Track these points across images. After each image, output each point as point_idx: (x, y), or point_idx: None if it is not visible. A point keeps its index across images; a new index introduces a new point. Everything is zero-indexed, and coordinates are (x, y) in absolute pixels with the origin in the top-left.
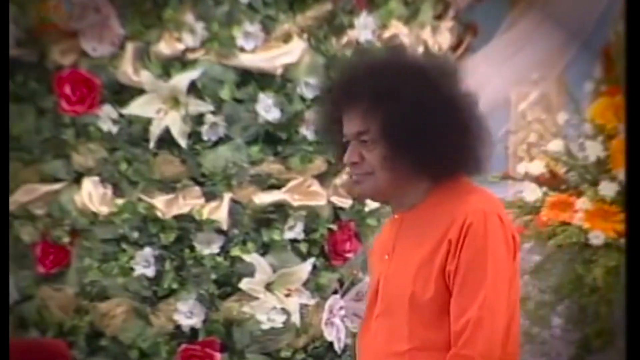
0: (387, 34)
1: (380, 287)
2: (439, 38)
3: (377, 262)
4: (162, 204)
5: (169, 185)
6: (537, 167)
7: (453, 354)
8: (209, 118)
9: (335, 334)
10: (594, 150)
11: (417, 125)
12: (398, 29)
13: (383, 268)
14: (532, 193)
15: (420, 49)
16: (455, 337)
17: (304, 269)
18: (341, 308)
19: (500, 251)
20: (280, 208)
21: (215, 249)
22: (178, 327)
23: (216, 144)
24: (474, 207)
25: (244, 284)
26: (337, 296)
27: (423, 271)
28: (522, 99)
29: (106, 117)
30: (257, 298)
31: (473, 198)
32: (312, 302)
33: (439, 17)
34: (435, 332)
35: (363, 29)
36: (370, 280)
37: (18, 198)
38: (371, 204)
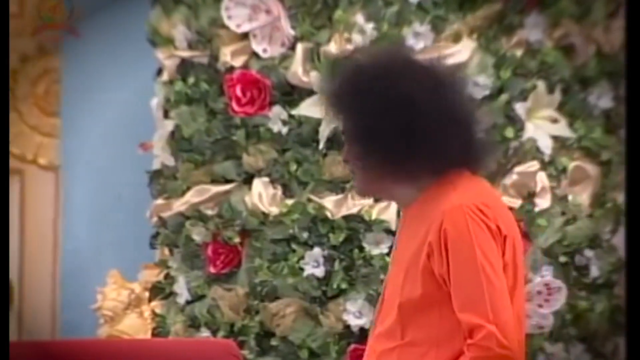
0: (557, 33)
1: (386, 285)
2: (610, 37)
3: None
4: (332, 204)
5: (338, 186)
6: None
7: (472, 344)
8: None
9: None
10: None
11: (378, 126)
12: (569, 28)
13: (390, 265)
14: None
15: (591, 49)
16: (468, 332)
17: None
18: None
19: (485, 241)
20: None
21: (384, 249)
22: (347, 327)
23: None
24: (451, 205)
25: None
26: None
27: (411, 270)
28: None
29: (276, 118)
30: None
31: (454, 195)
32: None
33: (611, 15)
34: (424, 329)
35: (533, 28)
36: None
37: (190, 199)
38: (541, 204)
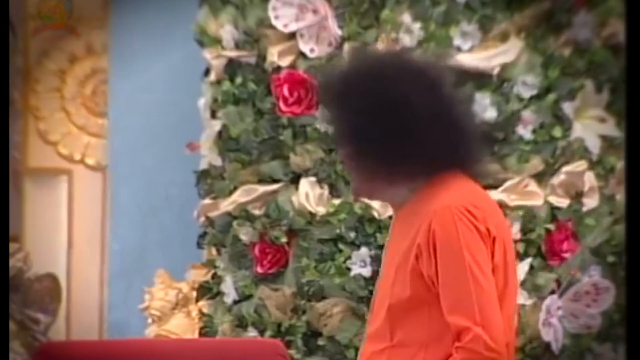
0: (606, 32)
1: (378, 286)
2: None
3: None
4: (379, 204)
5: None
6: None
7: (460, 347)
8: None
9: (552, 335)
10: None
11: (372, 127)
12: (617, 27)
13: (382, 266)
14: None
15: None
16: (456, 334)
17: (521, 268)
18: (559, 308)
19: (474, 242)
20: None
21: None
22: None
23: None
24: (440, 205)
25: None
26: (555, 296)
27: (400, 272)
28: None
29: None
30: None
31: (443, 195)
32: (529, 302)
33: None
34: (413, 330)
35: (581, 27)
36: None
37: (237, 198)
38: (589, 204)
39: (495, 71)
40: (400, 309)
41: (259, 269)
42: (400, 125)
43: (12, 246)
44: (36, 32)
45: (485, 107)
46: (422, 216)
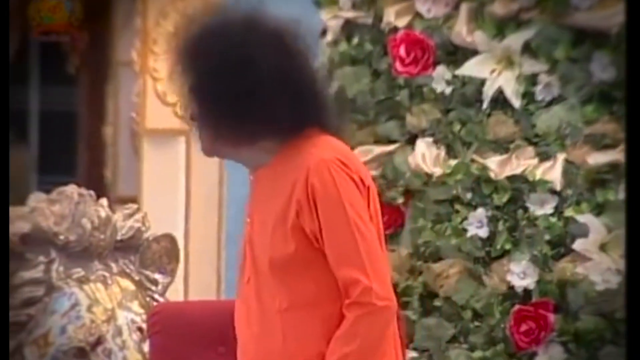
0: None
1: (247, 251)
2: None
3: (245, 226)
4: (495, 165)
5: (502, 146)
6: None
7: (351, 302)
8: (543, 78)
9: None
10: None
11: (215, 88)
12: None
13: (247, 231)
14: None
15: None
16: (344, 289)
17: None
18: None
19: (352, 193)
20: (615, 168)
21: (548, 209)
22: (511, 288)
23: (550, 103)
24: (314, 160)
25: (578, 244)
26: None
27: (278, 230)
28: None
29: (440, 78)
30: (591, 259)
31: (314, 151)
32: None
33: None
34: (302, 290)
35: None
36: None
37: None
38: None
39: (614, 30)
40: (283, 270)
41: None
42: (244, 87)
43: (131, 207)
44: (39, 33)
45: (603, 67)
46: (296, 173)
